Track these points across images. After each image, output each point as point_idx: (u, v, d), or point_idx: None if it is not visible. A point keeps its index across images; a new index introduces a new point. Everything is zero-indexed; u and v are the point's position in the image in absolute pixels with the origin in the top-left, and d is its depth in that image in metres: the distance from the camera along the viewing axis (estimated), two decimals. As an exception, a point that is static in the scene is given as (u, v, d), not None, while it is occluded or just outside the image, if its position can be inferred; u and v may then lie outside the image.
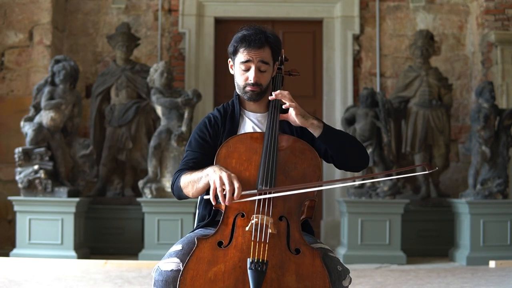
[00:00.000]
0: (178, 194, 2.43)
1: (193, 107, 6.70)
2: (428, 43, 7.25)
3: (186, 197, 2.42)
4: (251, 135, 2.44)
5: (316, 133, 2.43)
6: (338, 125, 7.08)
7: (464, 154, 7.41)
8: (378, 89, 7.55)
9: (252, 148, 2.38)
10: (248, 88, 2.48)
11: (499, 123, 6.66)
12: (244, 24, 2.55)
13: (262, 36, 2.44)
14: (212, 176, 2.24)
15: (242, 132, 2.51)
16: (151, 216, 6.42)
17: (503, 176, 6.56)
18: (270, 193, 2.24)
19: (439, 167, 7.25)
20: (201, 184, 2.32)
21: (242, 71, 2.47)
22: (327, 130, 2.43)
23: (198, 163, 2.43)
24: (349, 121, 6.90)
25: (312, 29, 7.97)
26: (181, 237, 2.45)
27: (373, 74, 7.83)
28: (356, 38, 7.81)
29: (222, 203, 2.22)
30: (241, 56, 2.45)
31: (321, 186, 2.32)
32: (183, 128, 6.56)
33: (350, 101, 7.61)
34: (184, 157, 2.50)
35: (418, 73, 7.25)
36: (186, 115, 6.62)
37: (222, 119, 2.54)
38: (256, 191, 2.25)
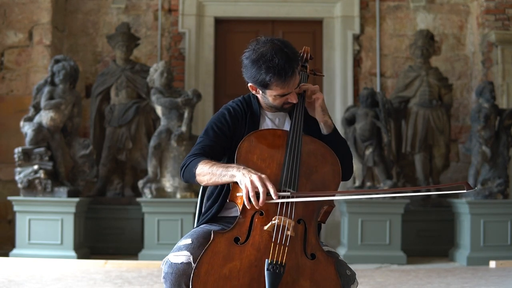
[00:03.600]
0: (189, 178, 2.35)
1: (193, 107, 6.69)
2: (428, 43, 7.25)
3: (195, 183, 2.35)
4: (274, 132, 2.40)
5: (324, 131, 2.45)
6: (338, 125, 7.07)
7: (464, 154, 7.41)
8: (378, 89, 7.54)
9: (274, 145, 2.34)
10: (286, 106, 2.44)
11: (499, 123, 6.66)
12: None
13: (293, 63, 2.32)
14: (243, 179, 2.16)
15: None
16: (151, 216, 6.41)
17: (503, 176, 6.56)
18: (293, 197, 2.20)
19: (439, 167, 7.25)
20: (221, 181, 2.25)
21: (278, 98, 2.40)
22: (335, 133, 2.46)
23: (213, 151, 2.39)
24: (349, 121, 6.90)
25: (312, 29, 7.96)
26: (181, 238, 2.43)
27: (373, 74, 7.83)
28: (356, 38, 7.80)
29: (256, 206, 2.15)
30: (276, 89, 2.35)
31: (350, 195, 2.27)
32: (183, 128, 6.55)
33: (350, 101, 7.60)
34: (198, 142, 2.43)
35: (418, 73, 7.24)
36: (186, 115, 6.62)
37: (243, 113, 2.48)
38: (289, 193, 2.20)
